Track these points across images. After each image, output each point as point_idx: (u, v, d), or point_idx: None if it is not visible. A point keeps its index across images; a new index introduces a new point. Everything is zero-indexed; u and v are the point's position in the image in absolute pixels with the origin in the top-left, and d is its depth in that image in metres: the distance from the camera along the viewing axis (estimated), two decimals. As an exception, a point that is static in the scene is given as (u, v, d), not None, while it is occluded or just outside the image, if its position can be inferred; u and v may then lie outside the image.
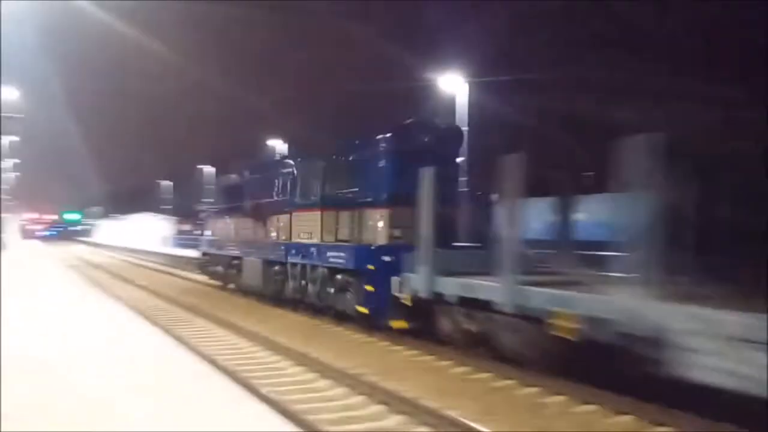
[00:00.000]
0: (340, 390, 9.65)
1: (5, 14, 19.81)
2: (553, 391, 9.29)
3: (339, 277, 14.56)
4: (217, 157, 67.28)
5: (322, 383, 10.06)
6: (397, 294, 12.57)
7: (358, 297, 13.75)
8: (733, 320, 6.48)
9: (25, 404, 6.73)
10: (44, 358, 9.22)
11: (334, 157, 16.02)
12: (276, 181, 18.62)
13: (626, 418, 8.19)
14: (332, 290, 14.96)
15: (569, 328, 8.50)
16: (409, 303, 12.32)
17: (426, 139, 14.15)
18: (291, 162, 18.45)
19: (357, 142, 15.56)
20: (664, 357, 7.04)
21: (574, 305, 8.50)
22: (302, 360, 11.35)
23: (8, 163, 45.85)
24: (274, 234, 18.45)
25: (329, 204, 15.45)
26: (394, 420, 8.27)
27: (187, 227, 56.14)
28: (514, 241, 9.72)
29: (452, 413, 8.14)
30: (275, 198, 18.52)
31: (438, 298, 11.45)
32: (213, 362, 10.54)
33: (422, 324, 12.50)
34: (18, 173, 61.74)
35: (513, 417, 8.34)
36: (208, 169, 64.63)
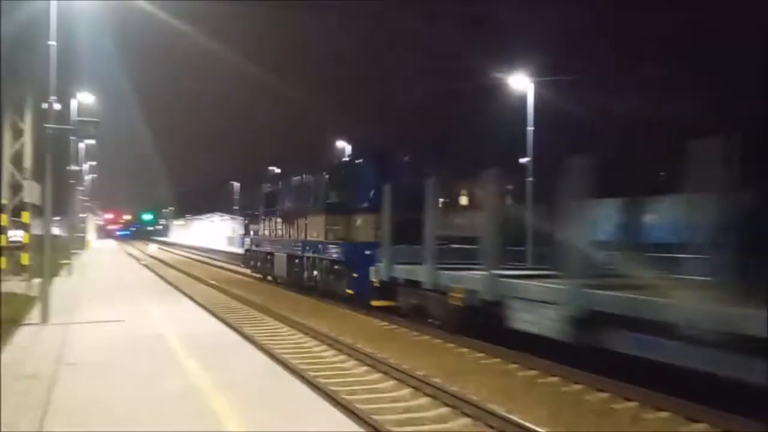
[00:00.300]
0: (405, 391, 9.68)
1: (80, 20, 20.66)
2: (623, 396, 9.08)
3: (336, 267, 18.95)
4: (282, 160, 68.53)
5: (388, 384, 10.12)
6: (372, 279, 16.29)
7: (348, 282, 17.91)
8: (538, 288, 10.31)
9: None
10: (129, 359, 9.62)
11: (335, 173, 20.33)
12: (297, 192, 23.13)
13: (700, 427, 7.93)
14: (333, 277, 19.27)
15: (458, 297, 12.51)
16: (377, 285, 16.16)
17: (397, 164, 18.36)
18: (307, 177, 22.37)
19: (349, 161, 21.33)
20: (503, 314, 11.01)
21: (461, 282, 12.58)
22: (367, 360, 11.44)
23: (85, 165, 47.75)
24: (294, 234, 22.88)
25: (331, 210, 19.55)
26: (459, 423, 8.24)
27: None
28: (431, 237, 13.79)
29: (518, 417, 8.06)
30: (296, 205, 22.96)
31: (394, 281, 15.42)
32: (283, 362, 10.76)
33: (393, 301, 16.07)
34: (94, 175, 64.20)
35: (581, 423, 8.19)
36: (273, 172, 65.65)
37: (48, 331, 11.60)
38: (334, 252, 19.03)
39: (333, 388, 9.51)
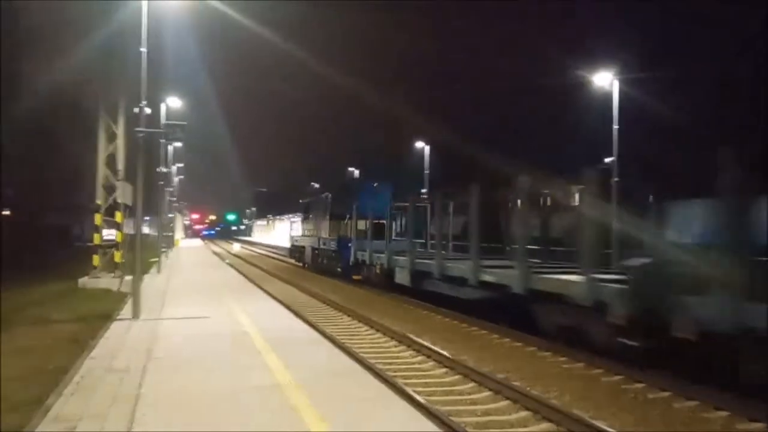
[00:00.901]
0: (485, 394, 9.57)
1: (169, 28, 21.46)
2: (712, 405, 8.67)
3: (333, 253, 30.35)
4: (363, 161, 69.15)
5: (467, 386, 10.03)
6: (351, 261, 26.74)
7: (338, 262, 29.30)
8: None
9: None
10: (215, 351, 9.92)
11: (335, 193, 32.25)
12: (317, 204, 35.40)
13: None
14: (332, 260, 30.74)
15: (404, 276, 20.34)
16: (352, 264, 26.68)
17: (368, 188, 30.01)
18: (323, 194, 34.59)
19: (341, 186, 35.35)
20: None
21: (403, 264, 20.47)
22: (446, 362, 11.37)
23: (173, 167, 49.53)
24: (316, 233, 34.59)
25: (332, 217, 31.28)
26: (539, 428, 8.07)
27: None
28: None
29: (602, 424, 7.83)
30: (316, 213, 35.27)
31: (362, 262, 25.44)
32: (362, 361, 10.83)
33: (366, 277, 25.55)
34: (182, 176, 66.52)
35: (669, 432, 7.90)
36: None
37: (138, 327, 12.08)
38: (332, 243, 30.71)
39: (412, 388, 9.50)
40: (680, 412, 8.71)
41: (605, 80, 27.24)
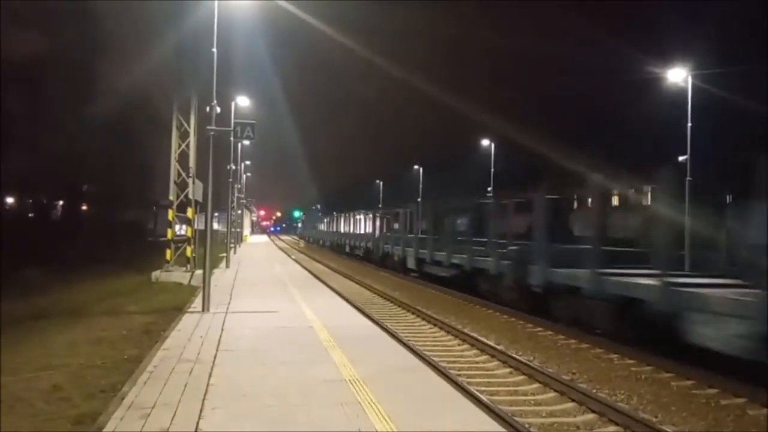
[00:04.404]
0: (550, 395, 9.45)
1: (239, 29, 21.93)
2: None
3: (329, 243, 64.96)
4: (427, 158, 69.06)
5: (531, 387, 9.93)
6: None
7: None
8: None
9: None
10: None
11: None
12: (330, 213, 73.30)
13: None
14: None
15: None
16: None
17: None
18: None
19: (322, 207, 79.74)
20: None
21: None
22: (511, 361, 11.27)
23: (242, 164, 50.61)
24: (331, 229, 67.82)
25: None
26: (605, 431, 7.93)
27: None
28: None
29: (671, 429, 7.63)
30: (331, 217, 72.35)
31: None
32: (425, 358, 10.86)
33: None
34: (249, 174, 67.89)
35: (743, 439, 7.63)
36: (418, 170, 67.07)
37: (208, 319, 12.42)
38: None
39: (475, 387, 9.48)
40: (755, 419, 8.41)
41: (680, 76, 26.38)
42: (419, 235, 29.50)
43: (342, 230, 62.88)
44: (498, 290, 18.25)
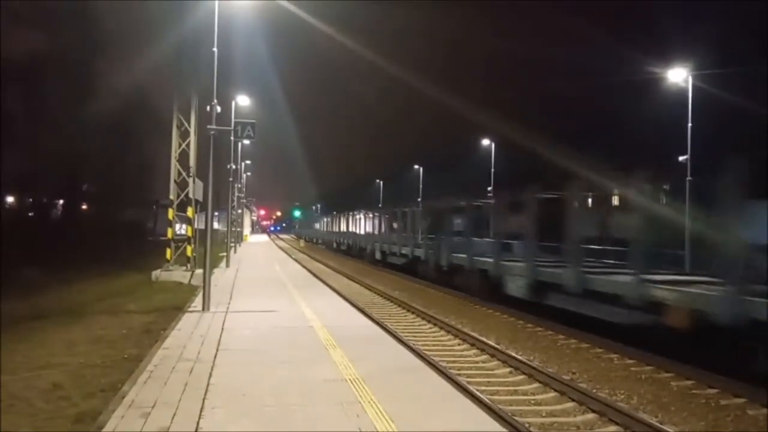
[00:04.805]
0: (550, 394, 9.45)
1: (239, 30, 21.94)
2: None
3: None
4: (428, 157, 69.07)
5: (531, 386, 9.92)
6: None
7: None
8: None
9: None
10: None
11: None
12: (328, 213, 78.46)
13: None
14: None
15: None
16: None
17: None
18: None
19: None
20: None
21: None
22: (510, 361, 11.27)
23: (241, 164, 50.62)
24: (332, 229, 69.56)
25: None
26: (606, 431, 7.93)
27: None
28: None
29: (671, 429, 7.63)
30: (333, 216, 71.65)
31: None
32: (426, 358, 10.86)
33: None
34: (249, 173, 67.87)
35: (743, 440, 7.63)
36: (417, 170, 67.46)
37: (208, 319, 12.42)
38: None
39: (475, 387, 9.48)
40: (755, 419, 8.41)
41: (680, 76, 26.40)
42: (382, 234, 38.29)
43: (328, 229, 72.92)
44: (426, 270, 25.31)
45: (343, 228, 59.45)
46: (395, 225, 36.90)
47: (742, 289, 9.10)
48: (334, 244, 58.53)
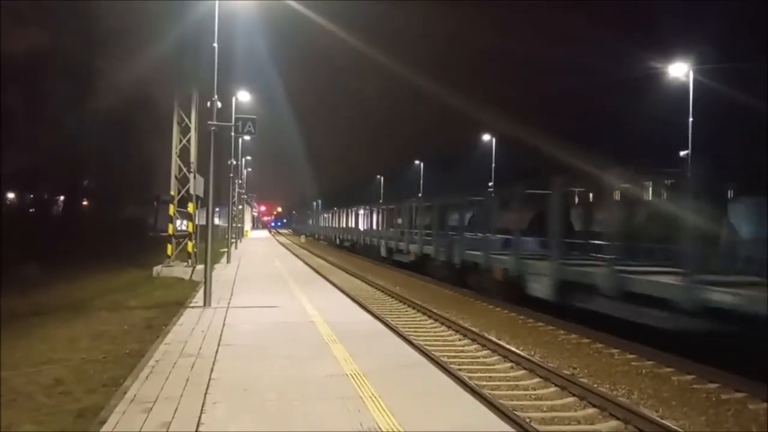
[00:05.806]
0: (551, 389, 9.46)
1: (241, 25, 21.94)
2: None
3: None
4: (428, 153, 69.06)
5: (532, 381, 9.94)
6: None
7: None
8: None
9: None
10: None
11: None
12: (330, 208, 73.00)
13: None
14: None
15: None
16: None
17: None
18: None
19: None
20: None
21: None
22: (512, 356, 11.28)
23: (242, 160, 50.67)
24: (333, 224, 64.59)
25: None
26: (606, 425, 7.93)
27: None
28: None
29: (672, 424, 7.64)
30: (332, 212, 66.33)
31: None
32: (427, 354, 10.86)
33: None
34: (250, 169, 67.89)
35: (744, 434, 7.64)
36: (417, 166, 67.55)
37: (209, 314, 12.43)
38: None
39: (476, 382, 9.49)
40: (756, 413, 8.41)
41: (681, 71, 26.37)
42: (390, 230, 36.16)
43: (325, 225, 72.08)
44: (436, 269, 23.90)
45: (344, 224, 57.78)
46: (399, 221, 35.26)
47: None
48: (337, 241, 56.94)
